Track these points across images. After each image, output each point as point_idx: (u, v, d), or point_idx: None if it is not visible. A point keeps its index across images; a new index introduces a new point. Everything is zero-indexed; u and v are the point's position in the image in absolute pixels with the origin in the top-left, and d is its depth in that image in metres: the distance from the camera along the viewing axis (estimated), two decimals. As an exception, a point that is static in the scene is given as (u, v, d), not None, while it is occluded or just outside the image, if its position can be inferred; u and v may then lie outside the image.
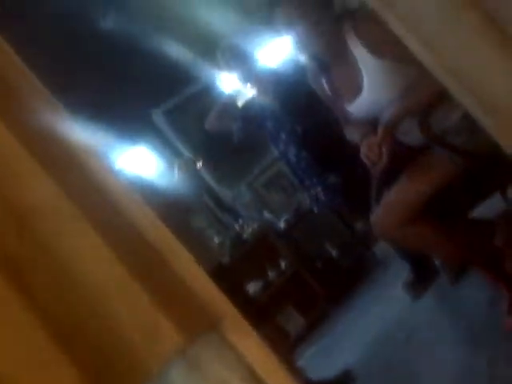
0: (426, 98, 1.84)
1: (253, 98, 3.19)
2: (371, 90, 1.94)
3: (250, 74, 3.11)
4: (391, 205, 1.94)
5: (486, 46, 0.87)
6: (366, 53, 1.90)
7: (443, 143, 1.84)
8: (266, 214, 4.85)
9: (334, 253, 4.66)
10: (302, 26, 1.93)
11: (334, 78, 2.08)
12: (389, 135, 1.86)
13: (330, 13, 1.98)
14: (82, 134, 0.79)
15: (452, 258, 2.40)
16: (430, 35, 0.91)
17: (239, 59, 3.08)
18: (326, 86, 2.10)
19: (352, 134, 2.08)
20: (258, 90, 3.13)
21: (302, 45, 2.02)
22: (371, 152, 1.87)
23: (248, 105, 3.23)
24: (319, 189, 3.18)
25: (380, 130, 1.86)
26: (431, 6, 0.88)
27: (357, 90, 1.96)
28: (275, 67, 3.35)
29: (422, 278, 2.90)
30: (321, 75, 2.12)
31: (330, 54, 2.02)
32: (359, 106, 2.01)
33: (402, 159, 1.97)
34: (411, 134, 1.94)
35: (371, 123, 1.99)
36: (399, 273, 3.19)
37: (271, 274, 4.39)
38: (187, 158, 4.75)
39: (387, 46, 1.82)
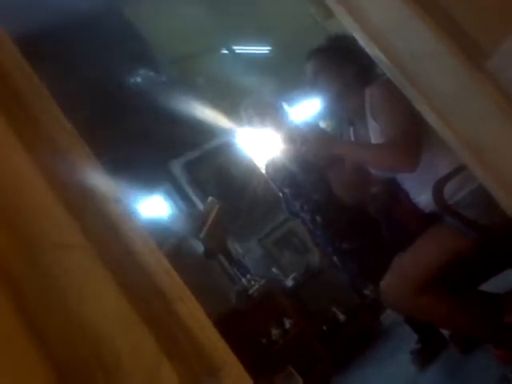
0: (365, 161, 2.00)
1: (274, 158, 3.23)
2: None
3: (272, 132, 3.16)
4: (402, 274, 1.93)
5: (504, 122, 0.89)
6: (369, 115, 1.99)
7: (455, 214, 1.84)
8: (274, 270, 4.82)
9: (340, 317, 4.59)
10: (325, 80, 2.06)
11: (357, 133, 2.18)
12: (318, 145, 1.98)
13: (350, 71, 2.08)
14: (104, 180, 0.81)
15: (461, 332, 2.36)
16: (448, 110, 0.93)
17: (263, 116, 3.14)
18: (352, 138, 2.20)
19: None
20: (281, 151, 3.17)
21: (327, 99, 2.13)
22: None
23: (270, 165, 3.27)
24: (333, 254, 3.17)
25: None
26: (449, 82, 0.91)
27: None
28: (298, 129, 3.40)
29: (429, 348, 2.85)
30: (348, 129, 2.22)
31: (351, 111, 2.12)
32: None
33: (417, 224, 1.99)
34: (426, 201, 1.96)
35: (387, 181, 2.09)
36: (405, 343, 3.12)
37: (274, 332, 4.32)
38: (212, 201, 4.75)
39: (383, 114, 1.92)
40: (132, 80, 5.19)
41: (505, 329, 1.88)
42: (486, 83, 0.85)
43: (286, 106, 3.15)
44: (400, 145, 1.85)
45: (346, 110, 2.15)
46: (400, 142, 1.85)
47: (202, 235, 4.50)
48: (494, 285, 2.11)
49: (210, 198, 4.74)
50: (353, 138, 2.22)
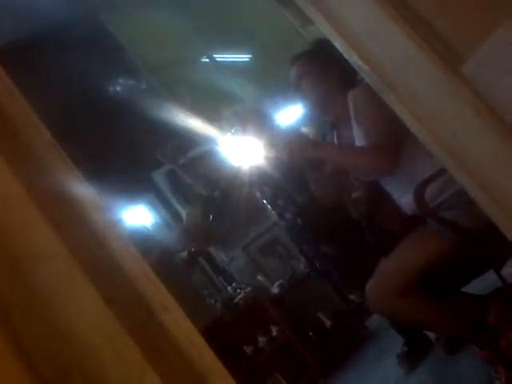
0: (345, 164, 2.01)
1: (257, 165, 3.23)
2: None
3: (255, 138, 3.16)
4: (385, 277, 1.95)
5: (479, 125, 0.91)
6: (353, 118, 2.01)
7: (437, 217, 1.86)
8: (260, 278, 4.82)
9: (327, 323, 4.60)
10: (308, 83, 2.07)
11: (340, 136, 2.19)
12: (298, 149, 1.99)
13: (333, 76, 2.09)
14: (86, 188, 0.81)
15: (445, 333, 2.38)
16: (426, 114, 0.95)
17: (244, 124, 3.14)
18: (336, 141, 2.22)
19: None
20: (263, 157, 3.17)
21: (310, 103, 2.14)
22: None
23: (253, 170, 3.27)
24: (312, 256, 3.18)
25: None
26: (426, 87, 0.93)
27: None
28: (280, 134, 3.39)
29: (415, 350, 2.87)
30: (332, 132, 2.23)
31: (334, 115, 2.14)
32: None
33: (400, 227, 2.01)
34: (408, 204, 1.98)
35: (370, 183, 2.10)
36: (391, 346, 3.14)
37: (261, 340, 4.31)
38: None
39: (365, 118, 1.94)
40: (112, 89, 5.17)
41: (488, 329, 1.90)
42: (461, 87, 0.87)
43: (268, 113, 3.17)
44: (378, 148, 1.87)
45: (329, 114, 2.16)
46: (379, 145, 1.87)
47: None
48: (476, 286, 2.14)
49: (188, 208, 4.73)
50: (336, 141, 2.23)
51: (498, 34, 0.84)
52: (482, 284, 2.18)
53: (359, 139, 2.03)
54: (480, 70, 0.87)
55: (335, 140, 2.24)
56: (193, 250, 4.50)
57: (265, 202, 3.31)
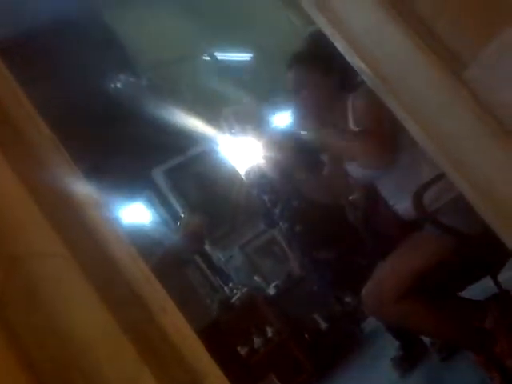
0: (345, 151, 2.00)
1: (255, 165, 3.22)
2: None
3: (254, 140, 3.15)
4: (382, 280, 1.94)
5: (481, 131, 0.91)
6: (353, 124, 2.00)
7: (435, 222, 1.86)
8: (256, 278, 4.82)
9: (322, 325, 4.59)
10: (307, 89, 2.05)
11: None
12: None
13: (333, 80, 2.08)
14: (84, 186, 0.81)
15: (441, 338, 2.38)
16: (427, 119, 0.95)
17: (244, 124, 3.13)
18: None
19: None
20: (261, 158, 3.16)
21: (304, 109, 2.12)
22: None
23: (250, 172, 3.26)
24: (309, 264, 3.18)
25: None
26: (428, 92, 0.93)
27: None
28: (280, 139, 3.36)
29: (410, 354, 2.87)
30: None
31: (334, 117, 2.13)
32: (349, 169, 2.12)
33: (397, 231, 2.01)
34: (405, 209, 1.97)
35: (365, 186, 2.09)
36: (386, 350, 3.14)
37: (257, 341, 4.31)
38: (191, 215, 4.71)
39: (365, 120, 1.93)
40: (113, 86, 5.16)
41: (485, 335, 1.90)
42: (463, 92, 0.87)
43: (267, 113, 3.16)
44: (376, 135, 1.87)
45: (329, 117, 2.15)
46: (376, 133, 1.87)
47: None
48: (473, 292, 2.14)
49: (184, 213, 4.70)
50: None
51: (500, 40, 0.84)
52: (478, 290, 2.18)
53: None
54: (482, 75, 0.86)
55: None
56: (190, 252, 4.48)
57: (263, 210, 3.30)
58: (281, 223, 3.21)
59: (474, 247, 1.84)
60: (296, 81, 2.11)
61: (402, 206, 1.99)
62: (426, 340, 2.81)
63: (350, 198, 2.56)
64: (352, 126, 2.02)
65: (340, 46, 1.04)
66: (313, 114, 2.09)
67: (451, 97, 0.89)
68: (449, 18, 0.89)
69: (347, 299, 4.58)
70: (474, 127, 0.88)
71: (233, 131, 3.09)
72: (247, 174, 3.34)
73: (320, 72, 2.08)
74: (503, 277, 2.09)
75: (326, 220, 2.95)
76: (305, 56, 2.15)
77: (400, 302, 1.86)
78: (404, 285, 1.87)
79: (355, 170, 2.08)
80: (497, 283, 2.10)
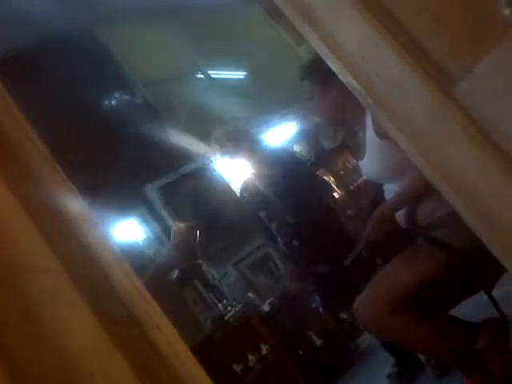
0: (421, 187, 1.89)
1: (249, 183, 3.24)
2: (368, 160, 2.06)
3: (246, 159, 3.16)
4: (375, 294, 1.95)
5: (471, 147, 0.92)
6: (373, 132, 2.00)
7: (426, 236, 1.87)
8: (251, 295, 4.80)
9: (317, 342, 4.57)
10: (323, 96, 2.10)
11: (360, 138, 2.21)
12: (381, 222, 1.95)
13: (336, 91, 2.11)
14: (80, 203, 0.81)
15: (432, 356, 2.38)
16: (418, 135, 0.96)
17: (234, 144, 3.14)
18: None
19: None
20: (255, 176, 3.17)
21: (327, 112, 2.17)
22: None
23: (245, 189, 3.28)
24: (308, 278, 3.18)
25: (374, 214, 1.95)
26: (419, 109, 0.94)
27: (362, 153, 2.09)
28: (273, 156, 3.35)
29: (405, 371, 2.86)
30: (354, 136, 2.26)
31: (352, 125, 2.18)
32: (361, 167, 2.15)
33: (396, 241, 2.02)
34: (400, 215, 1.99)
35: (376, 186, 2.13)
36: (382, 366, 3.12)
37: (251, 358, 4.27)
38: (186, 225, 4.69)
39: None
40: (107, 103, 5.18)
41: (476, 356, 1.90)
42: (454, 109, 0.88)
43: (257, 133, 3.19)
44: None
45: (346, 125, 2.21)
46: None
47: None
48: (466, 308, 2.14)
49: (174, 225, 4.69)
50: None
51: (491, 57, 0.85)
52: (471, 305, 2.18)
53: (370, 147, 2.01)
54: (473, 92, 0.88)
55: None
56: (182, 267, 4.47)
57: (261, 227, 3.30)
58: (279, 238, 3.21)
59: (466, 262, 1.85)
60: (309, 90, 2.19)
61: (399, 212, 2.00)
62: (422, 356, 2.79)
63: (348, 212, 2.56)
64: (371, 131, 2.01)
65: (331, 63, 1.05)
66: (328, 121, 2.15)
67: (442, 114, 0.90)
68: (439, 35, 0.91)
69: (342, 315, 4.57)
70: (465, 145, 0.89)
71: (224, 150, 3.11)
72: (242, 191, 3.35)
73: (320, 84, 2.12)
74: (505, 289, 2.10)
75: (324, 234, 2.96)
76: (306, 68, 2.20)
77: (391, 315, 1.86)
78: (396, 297, 1.87)
79: (361, 168, 2.13)
80: (491, 298, 2.11)
